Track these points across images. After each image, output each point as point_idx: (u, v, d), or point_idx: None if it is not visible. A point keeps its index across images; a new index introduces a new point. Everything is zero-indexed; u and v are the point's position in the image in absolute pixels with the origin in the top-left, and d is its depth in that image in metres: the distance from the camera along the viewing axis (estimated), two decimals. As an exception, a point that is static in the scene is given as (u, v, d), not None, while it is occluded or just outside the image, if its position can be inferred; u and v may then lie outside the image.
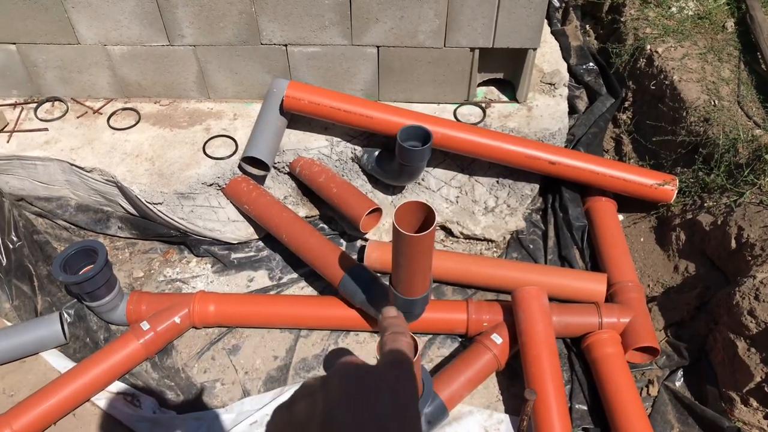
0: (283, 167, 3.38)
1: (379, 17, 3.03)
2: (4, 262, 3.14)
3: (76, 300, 2.99)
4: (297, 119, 3.32)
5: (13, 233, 3.21)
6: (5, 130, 3.35)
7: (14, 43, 3.27)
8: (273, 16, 3.07)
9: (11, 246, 3.18)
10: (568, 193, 3.31)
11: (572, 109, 3.62)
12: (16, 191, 3.42)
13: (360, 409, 0.58)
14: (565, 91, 3.49)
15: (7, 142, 3.30)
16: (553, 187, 3.40)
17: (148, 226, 3.30)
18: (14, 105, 3.50)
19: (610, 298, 2.91)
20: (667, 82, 3.39)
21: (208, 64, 3.32)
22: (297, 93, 3.08)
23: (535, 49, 3.16)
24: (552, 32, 3.96)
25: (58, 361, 2.90)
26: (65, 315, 2.96)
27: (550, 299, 2.82)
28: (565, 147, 3.38)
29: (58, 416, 2.65)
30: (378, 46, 3.17)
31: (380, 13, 3.02)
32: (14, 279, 3.12)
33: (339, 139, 3.33)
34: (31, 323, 2.92)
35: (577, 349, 2.81)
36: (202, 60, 3.30)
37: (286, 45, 3.20)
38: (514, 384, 2.77)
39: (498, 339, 2.71)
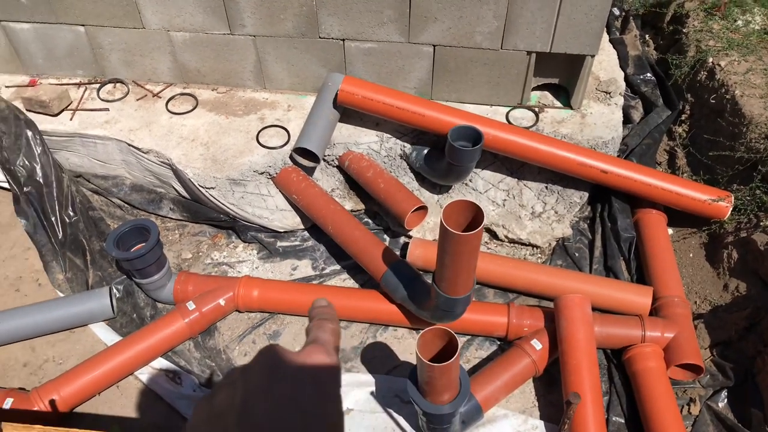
0: (333, 160, 3.41)
1: (437, 16, 3.04)
2: (60, 235, 3.26)
3: (125, 276, 3.09)
4: (349, 113, 3.35)
5: (70, 208, 3.32)
6: (69, 108, 3.47)
7: (83, 25, 3.39)
8: (333, 10, 3.10)
9: (68, 220, 3.29)
10: (618, 204, 3.26)
11: (626, 119, 3.57)
12: (75, 168, 3.54)
13: (279, 398, 0.57)
14: (621, 101, 3.45)
15: (70, 119, 3.42)
16: (602, 196, 3.36)
17: (199, 210, 3.39)
18: (79, 84, 3.62)
19: (654, 312, 2.86)
20: (728, 97, 3.32)
21: (266, 55, 3.38)
22: (351, 88, 3.12)
23: (593, 56, 3.12)
24: (610, 40, 3.91)
25: (105, 334, 3.00)
26: (114, 290, 3.05)
27: (593, 309, 2.79)
28: (618, 156, 3.33)
29: (103, 387, 2.74)
30: (434, 45, 3.18)
31: (439, 12, 3.03)
32: (68, 252, 3.24)
33: (389, 136, 3.35)
34: (82, 296, 3.02)
35: (617, 361, 2.77)
36: (261, 50, 3.36)
37: (343, 40, 3.24)
38: (551, 391, 2.75)
39: (538, 345, 2.69)
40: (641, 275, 3.09)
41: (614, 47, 3.83)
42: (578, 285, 2.92)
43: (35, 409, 2.56)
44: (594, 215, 3.39)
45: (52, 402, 2.59)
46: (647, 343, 2.67)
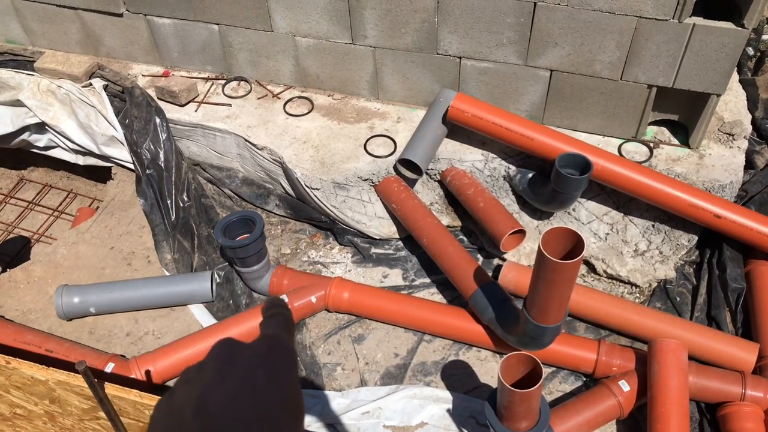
0: (435, 174, 3.45)
1: (558, 41, 3.02)
2: (173, 218, 3.47)
3: (227, 264, 3.25)
4: (456, 130, 3.38)
5: (185, 194, 3.54)
6: (195, 100, 3.71)
7: (218, 24, 3.61)
8: (453, 28, 3.15)
9: (181, 204, 3.51)
10: (730, 252, 3.10)
11: (749, 164, 3.37)
12: (193, 156, 3.77)
13: (233, 386, 0.57)
14: (745, 144, 3.27)
15: (195, 111, 3.65)
16: (713, 241, 3.19)
17: (302, 208, 3.52)
18: (206, 79, 3.86)
19: (758, 371, 2.69)
20: None
21: (383, 66, 3.47)
22: (462, 105, 3.14)
23: (718, 96, 2.99)
24: (740, 81, 3.71)
25: (202, 316, 3.16)
26: (216, 275, 3.22)
27: (690, 358, 2.66)
28: (735, 202, 3.16)
29: (195, 365, 2.88)
30: (551, 70, 3.15)
31: (560, 38, 3.00)
32: (178, 234, 3.44)
33: (494, 156, 3.35)
34: (186, 276, 3.21)
35: (711, 416, 2.63)
36: (379, 61, 3.45)
37: (460, 57, 3.27)
38: (635, 437, 2.64)
39: (626, 386, 2.60)
40: (747, 330, 2.91)
41: (744, 88, 3.64)
42: (676, 331, 2.79)
43: (132, 376, 2.74)
44: (701, 260, 3.23)
45: (147, 372, 2.76)
46: (747, 402, 2.51)
